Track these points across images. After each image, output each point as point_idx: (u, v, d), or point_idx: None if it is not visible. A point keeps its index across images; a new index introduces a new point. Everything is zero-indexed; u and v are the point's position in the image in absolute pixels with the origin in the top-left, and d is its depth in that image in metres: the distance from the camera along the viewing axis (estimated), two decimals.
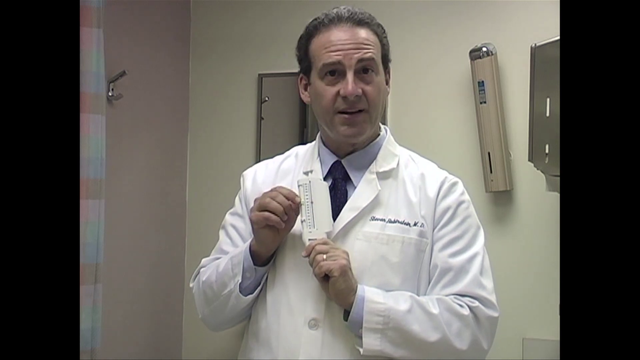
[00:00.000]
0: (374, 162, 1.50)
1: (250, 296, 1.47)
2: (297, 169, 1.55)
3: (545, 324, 2.33)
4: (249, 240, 1.48)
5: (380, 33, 1.49)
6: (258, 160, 2.70)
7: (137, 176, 2.57)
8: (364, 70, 1.45)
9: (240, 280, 1.45)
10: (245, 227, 1.55)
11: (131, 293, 2.52)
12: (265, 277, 1.49)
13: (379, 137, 1.55)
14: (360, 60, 1.43)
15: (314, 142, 1.58)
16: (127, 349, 2.48)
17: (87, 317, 1.99)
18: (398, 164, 1.52)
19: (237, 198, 1.62)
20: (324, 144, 1.55)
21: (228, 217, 1.62)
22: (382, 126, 1.57)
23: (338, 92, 1.44)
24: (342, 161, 1.51)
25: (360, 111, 1.45)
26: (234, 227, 1.58)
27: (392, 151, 1.54)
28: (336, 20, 1.47)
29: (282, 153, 1.64)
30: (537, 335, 2.36)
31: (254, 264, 1.45)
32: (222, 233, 1.61)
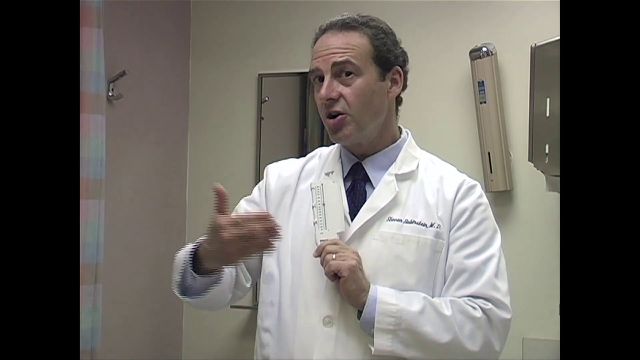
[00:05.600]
0: (393, 164, 1.51)
1: (198, 297, 1.45)
2: (319, 169, 1.56)
3: (545, 324, 2.33)
4: (195, 245, 1.46)
5: (372, 34, 1.47)
6: (258, 160, 2.72)
7: (137, 176, 2.57)
8: (346, 73, 1.44)
9: (179, 281, 1.45)
10: None
11: (131, 293, 2.52)
12: (279, 284, 1.48)
13: (400, 139, 1.55)
14: (335, 64, 1.44)
15: (336, 144, 1.58)
16: (127, 349, 2.48)
17: (87, 317, 2.00)
18: (418, 167, 1.52)
19: (256, 188, 1.62)
20: (344, 146, 1.56)
21: (242, 203, 1.61)
22: (403, 129, 1.58)
23: None
24: (363, 163, 1.52)
25: (340, 115, 1.45)
26: (247, 212, 1.55)
27: (412, 154, 1.54)
28: (326, 27, 1.48)
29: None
30: (537, 335, 2.37)
31: (196, 272, 1.43)
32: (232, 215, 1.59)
